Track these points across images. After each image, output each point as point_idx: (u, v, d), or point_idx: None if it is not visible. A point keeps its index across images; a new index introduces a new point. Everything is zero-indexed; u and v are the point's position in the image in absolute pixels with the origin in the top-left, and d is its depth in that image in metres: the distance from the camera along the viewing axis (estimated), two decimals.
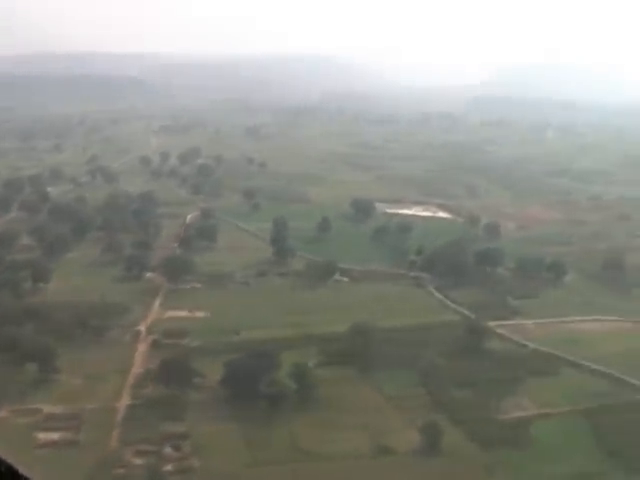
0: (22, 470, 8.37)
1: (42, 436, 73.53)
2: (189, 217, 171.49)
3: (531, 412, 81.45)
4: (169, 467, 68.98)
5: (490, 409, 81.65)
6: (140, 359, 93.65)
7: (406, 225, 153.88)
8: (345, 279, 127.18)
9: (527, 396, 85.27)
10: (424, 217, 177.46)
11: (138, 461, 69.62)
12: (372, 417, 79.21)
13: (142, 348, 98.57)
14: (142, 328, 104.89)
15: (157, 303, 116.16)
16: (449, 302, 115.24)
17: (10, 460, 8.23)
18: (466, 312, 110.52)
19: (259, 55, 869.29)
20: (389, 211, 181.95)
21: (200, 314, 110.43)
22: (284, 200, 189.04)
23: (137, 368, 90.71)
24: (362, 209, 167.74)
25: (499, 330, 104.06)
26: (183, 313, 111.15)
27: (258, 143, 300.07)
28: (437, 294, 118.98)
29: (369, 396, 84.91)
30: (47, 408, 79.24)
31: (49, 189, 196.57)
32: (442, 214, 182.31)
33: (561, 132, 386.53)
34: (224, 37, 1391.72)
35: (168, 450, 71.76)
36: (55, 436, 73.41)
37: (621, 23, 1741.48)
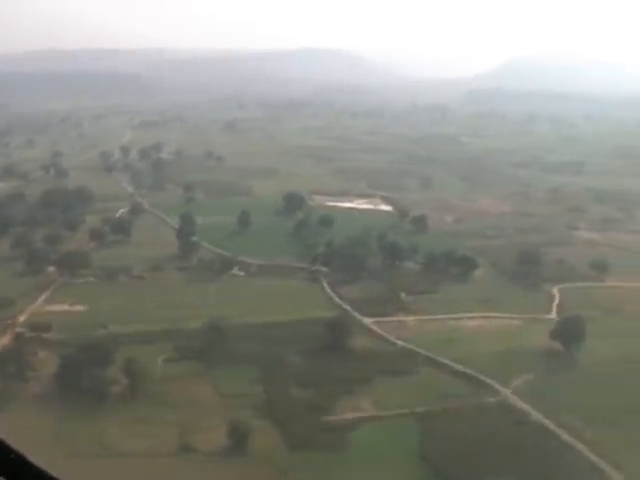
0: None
1: None
2: (120, 212, 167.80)
3: (365, 414, 76.40)
4: None
5: (322, 410, 76.72)
6: None
7: (328, 218, 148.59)
8: (241, 274, 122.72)
9: (370, 397, 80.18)
10: (360, 210, 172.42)
11: None
12: (192, 415, 75.46)
13: (3, 341, 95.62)
14: (15, 321, 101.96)
15: (43, 297, 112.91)
16: (336, 298, 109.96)
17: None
18: (349, 308, 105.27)
19: (266, 49, 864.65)
20: (329, 204, 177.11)
21: (79, 308, 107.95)
22: (225, 194, 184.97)
23: None
24: (293, 202, 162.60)
25: (374, 327, 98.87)
26: (63, 307, 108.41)
27: (230, 137, 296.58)
28: (328, 289, 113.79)
29: (202, 393, 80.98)
30: None
31: None
32: (382, 207, 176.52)
33: (551, 123, 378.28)
34: (231, 32, 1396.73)
35: None
36: None
37: (625, 16, 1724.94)
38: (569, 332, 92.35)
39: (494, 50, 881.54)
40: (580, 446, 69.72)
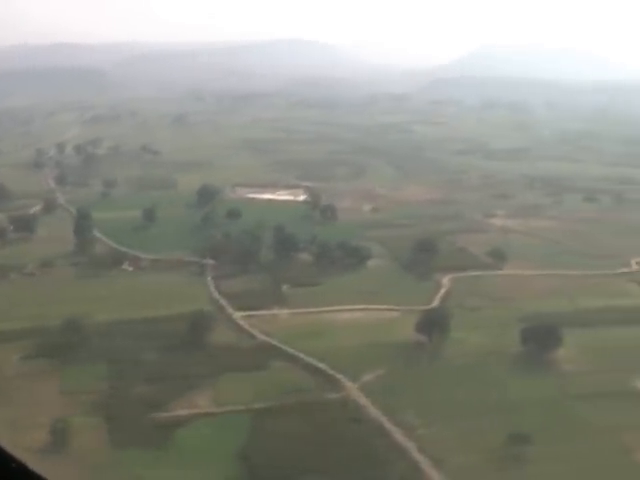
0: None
1: None
2: (34, 209, 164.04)
3: (200, 411, 74.10)
4: None
5: (158, 407, 74.35)
6: None
7: (236, 211, 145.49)
8: (130, 269, 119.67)
9: (212, 393, 77.77)
10: (278, 201, 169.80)
11: None
12: (26, 412, 73.05)
13: None
14: None
15: None
16: (216, 292, 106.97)
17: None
18: (224, 302, 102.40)
19: (238, 42, 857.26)
20: (250, 196, 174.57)
21: None
22: (147, 188, 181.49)
23: None
24: (206, 195, 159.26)
25: (242, 322, 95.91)
26: None
27: (177, 131, 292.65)
28: (211, 283, 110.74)
29: (45, 391, 78.76)
30: None
31: None
32: (302, 198, 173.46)
33: (508, 110, 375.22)
34: (205, 25, 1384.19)
35: None
36: None
37: (595, 3, 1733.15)
38: (434, 324, 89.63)
39: (466, 38, 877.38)
40: (409, 444, 67.10)
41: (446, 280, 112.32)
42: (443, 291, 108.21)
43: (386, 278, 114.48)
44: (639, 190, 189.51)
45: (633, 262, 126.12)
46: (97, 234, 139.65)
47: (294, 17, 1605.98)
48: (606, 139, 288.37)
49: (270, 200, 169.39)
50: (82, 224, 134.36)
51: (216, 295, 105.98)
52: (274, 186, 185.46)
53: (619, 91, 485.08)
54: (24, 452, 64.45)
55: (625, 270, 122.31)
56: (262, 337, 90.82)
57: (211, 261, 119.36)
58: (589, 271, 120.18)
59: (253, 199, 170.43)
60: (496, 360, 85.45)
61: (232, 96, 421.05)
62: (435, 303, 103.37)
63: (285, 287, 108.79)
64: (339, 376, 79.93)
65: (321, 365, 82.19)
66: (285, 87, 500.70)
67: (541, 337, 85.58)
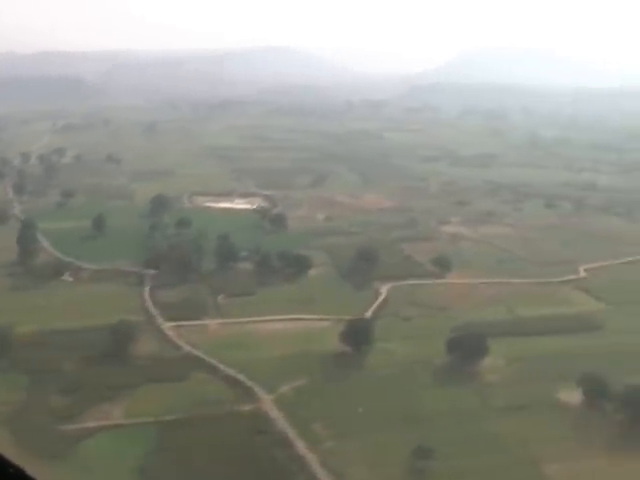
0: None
1: None
2: None
3: (109, 422, 73.19)
4: None
5: (69, 418, 73.71)
6: None
7: (185, 220, 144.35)
8: (70, 279, 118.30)
9: (126, 404, 76.92)
10: (234, 210, 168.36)
11: None
12: None
13: None
14: None
15: None
16: (150, 302, 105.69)
17: None
18: (156, 313, 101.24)
19: (222, 49, 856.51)
20: (206, 205, 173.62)
21: None
22: (104, 198, 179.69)
23: None
24: (159, 205, 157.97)
25: (170, 332, 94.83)
26: None
27: (146, 140, 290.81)
28: (147, 293, 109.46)
29: None
30: None
31: None
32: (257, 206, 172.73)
33: (483, 116, 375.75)
34: (199, 32, 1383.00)
35: None
36: None
37: (580, 10, 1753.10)
38: (359, 334, 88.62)
39: (450, 44, 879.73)
40: (312, 457, 66.06)
41: (385, 289, 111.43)
42: (380, 300, 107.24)
43: (324, 287, 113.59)
44: (600, 197, 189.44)
45: (581, 269, 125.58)
46: (45, 244, 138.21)
47: (281, 25, 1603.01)
48: (576, 145, 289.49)
49: (226, 209, 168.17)
50: (26, 234, 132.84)
51: (149, 305, 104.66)
52: (232, 195, 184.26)
53: (597, 97, 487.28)
54: None
55: (572, 277, 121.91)
56: (187, 348, 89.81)
57: (152, 271, 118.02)
58: (534, 279, 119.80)
59: (209, 208, 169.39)
60: (420, 371, 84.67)
61: (210, 104, 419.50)
62: (369, 313, 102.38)
63: (220, 297, 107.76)
64: (257, 388, 78.90)
65: (240, 376, 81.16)
66: (265, 94, 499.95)
67: (467, 347, 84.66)
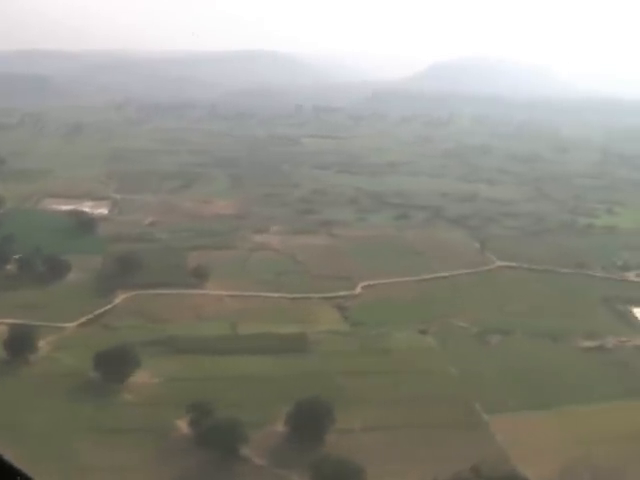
0: None
1: None
2: None
3: None
4: None
5: None
6: None
7: None
8: None
9: None
10: (60, 212, 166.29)
11: None
12: None
13: None
14: None
15: None
16: None
17: None
18: None
19: (209, 51, 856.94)
20: (55, 207, 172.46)
21: None
22: None
23: None
24: None
25: None
26: None
27: (58, 140, 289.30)
28: None
29: None
30: None
31: None
32: (101, 210, 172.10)
33: (425, 124, 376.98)
34: (177, 33, 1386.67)
35: None
36: None
37: (553, 20, 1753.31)
38: (21, 341, 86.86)
39: (434, 52, 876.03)
40: None
41: (123, 297, 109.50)
42: (106, 308, 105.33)
43: (67, 293, 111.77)
44: (464, 208, 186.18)
45: (359, 286, 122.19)
46: None
47: (275, 31, 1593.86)
48: (494, 155, 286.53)
49: (69, 212, 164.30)
50: None
51: None
52: (84, 198, 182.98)
53: (559, 108, 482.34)
54: None
55: (343, 294, 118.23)
56: None
57: None
58: (300, 294, 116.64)
59: (46, 210, 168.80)
60: (65, 382, 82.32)
61: (161, 106, 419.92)
62: (82, 320, 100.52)
63: None
64: None
65: None
66: (226, 97, 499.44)
67: (114, 362, 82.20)
